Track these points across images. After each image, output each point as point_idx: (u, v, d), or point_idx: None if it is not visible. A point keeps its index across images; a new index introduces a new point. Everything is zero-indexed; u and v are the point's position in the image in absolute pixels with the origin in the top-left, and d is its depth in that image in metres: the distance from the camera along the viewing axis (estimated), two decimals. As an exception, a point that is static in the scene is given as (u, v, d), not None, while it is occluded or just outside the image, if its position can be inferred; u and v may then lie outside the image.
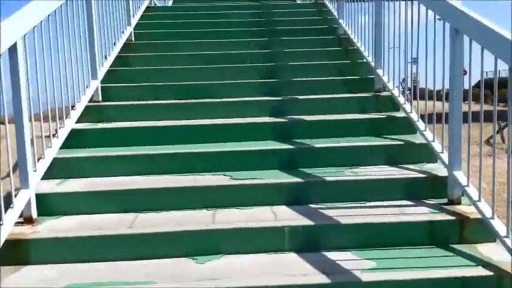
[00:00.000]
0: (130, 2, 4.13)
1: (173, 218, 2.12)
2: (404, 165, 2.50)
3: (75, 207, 2.19)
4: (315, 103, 3.10)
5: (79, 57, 2.78)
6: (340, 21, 4.24)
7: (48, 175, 2.27)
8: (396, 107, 3.07)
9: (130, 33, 4.11)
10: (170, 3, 5.96)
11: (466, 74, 2.17)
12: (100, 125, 2.84)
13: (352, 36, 3.89)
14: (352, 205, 2.21)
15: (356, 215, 2.09)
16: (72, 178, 2.40)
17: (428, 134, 2.48)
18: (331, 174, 2.35)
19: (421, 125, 2.56)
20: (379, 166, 2.50)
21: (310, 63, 3.67)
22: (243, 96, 3.23)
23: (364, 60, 3.61)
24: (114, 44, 3.62)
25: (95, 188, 2.27)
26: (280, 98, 3.15)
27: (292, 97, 3.17)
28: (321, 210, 2.15)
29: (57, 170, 2.37)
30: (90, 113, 2.90)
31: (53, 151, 2.32)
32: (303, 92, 3.26)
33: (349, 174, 2.37)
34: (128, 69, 3.63)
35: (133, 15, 4.26)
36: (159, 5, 5.39)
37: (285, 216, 2.10)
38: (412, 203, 2.22)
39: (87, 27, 2.99)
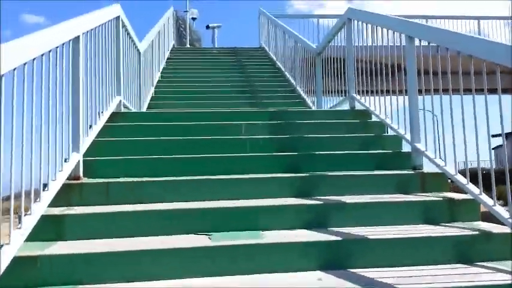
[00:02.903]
0: (81, 109, 2.49)
1: None
2: None
3: None
4: None
5: None
6: (418, 145, 2.69)
7: None
8: None
9: (77, 164, 2.42)
10: (145, 107, 4.38)
11: None
12: None
13: (461, 181, 2.28)
14: None
15: None
16: None
17: None
18: None
19: None
20: None
21: (398, 238, 1.99)
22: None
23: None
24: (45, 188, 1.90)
25: None
26: None
27: None
28: None
29: None
30: None
31: None
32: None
33: None
34: (54, 256, 1.84)
35: (86, 132, 2.62)
36: (133, 110, 3.79)
37: None
38: None
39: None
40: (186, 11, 11.84)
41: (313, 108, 5.08)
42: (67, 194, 2.26)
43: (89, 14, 2.82)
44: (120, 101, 3.58)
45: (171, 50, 8.61)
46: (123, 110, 3.58)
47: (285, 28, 7.06)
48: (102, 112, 3.06)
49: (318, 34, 11.59)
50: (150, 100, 5.28)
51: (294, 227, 2.10)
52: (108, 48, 3.24)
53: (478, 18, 11.25)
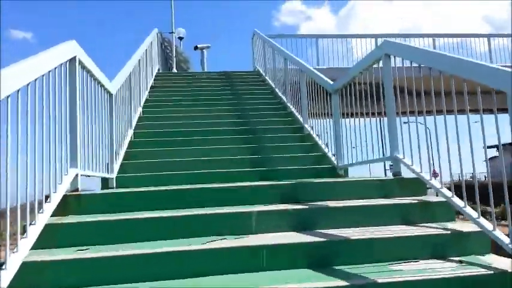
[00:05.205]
0: None
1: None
2: None
3: None
4: None
5: None
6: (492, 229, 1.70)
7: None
8: None
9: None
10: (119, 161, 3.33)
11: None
12: None
13: None
14: None
15: None
16: None
17: None
18: None
19: None
20: None
21: None
22: None
23: None
24: None
25: None
26: None
27: None
28: None
29: None
30: None
31: None
32: None
33: None
34: None
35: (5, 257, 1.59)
36: (92, 191, 2.73)
37: None
38: None
39: None
40: (172, 32, 10.83)
41: (333, 158, 4.01)
42: None
43: (15, 65, 1.81)
44: (77, 175, 2.54)
45: (156, 77, 7.60)
46: (80, 188, 2.54)
47: (286, 54, 6.11)
48: (43, 203, 2.02)
49: (317, 53, 10.79)
50: (128, 148, 4.26)
51: None
52: (54, 106, 2.24)
53: (489, 36, 10.51)
